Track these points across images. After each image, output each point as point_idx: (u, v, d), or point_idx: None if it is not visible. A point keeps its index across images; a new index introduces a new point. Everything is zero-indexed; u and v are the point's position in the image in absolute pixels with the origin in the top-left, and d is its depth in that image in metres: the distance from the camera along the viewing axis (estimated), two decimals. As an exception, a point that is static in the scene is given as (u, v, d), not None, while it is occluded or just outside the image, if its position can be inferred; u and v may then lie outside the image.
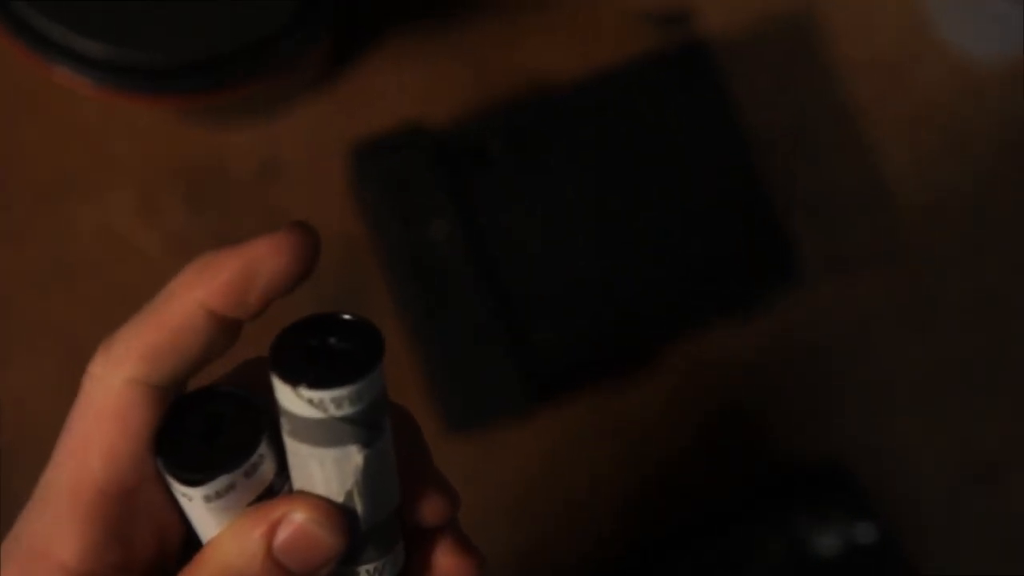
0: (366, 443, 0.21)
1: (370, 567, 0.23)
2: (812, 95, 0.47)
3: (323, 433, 0.21)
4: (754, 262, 0.42)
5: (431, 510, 0.24)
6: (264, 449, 0.21)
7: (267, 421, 0.21)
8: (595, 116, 0.42)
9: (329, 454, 0.21)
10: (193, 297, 0.21)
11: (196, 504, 0.21)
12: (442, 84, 0.46)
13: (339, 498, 0.22)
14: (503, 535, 0.45)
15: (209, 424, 0.21)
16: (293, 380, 0.19)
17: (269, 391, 0.21)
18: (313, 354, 0.20)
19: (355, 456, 0.21)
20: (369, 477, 0.22)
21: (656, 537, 0.46)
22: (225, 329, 0.21)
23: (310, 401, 0.20)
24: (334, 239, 0.45)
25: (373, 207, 0.43)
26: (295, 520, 0.21)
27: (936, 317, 0.46)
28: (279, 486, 0.22)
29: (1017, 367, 0.46)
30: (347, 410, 0.20)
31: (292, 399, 0.20)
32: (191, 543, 0.22)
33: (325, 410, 0.20)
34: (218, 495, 0.20)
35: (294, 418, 0.20)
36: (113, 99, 0.38)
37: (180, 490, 0.21)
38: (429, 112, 0.43)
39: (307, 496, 0.21)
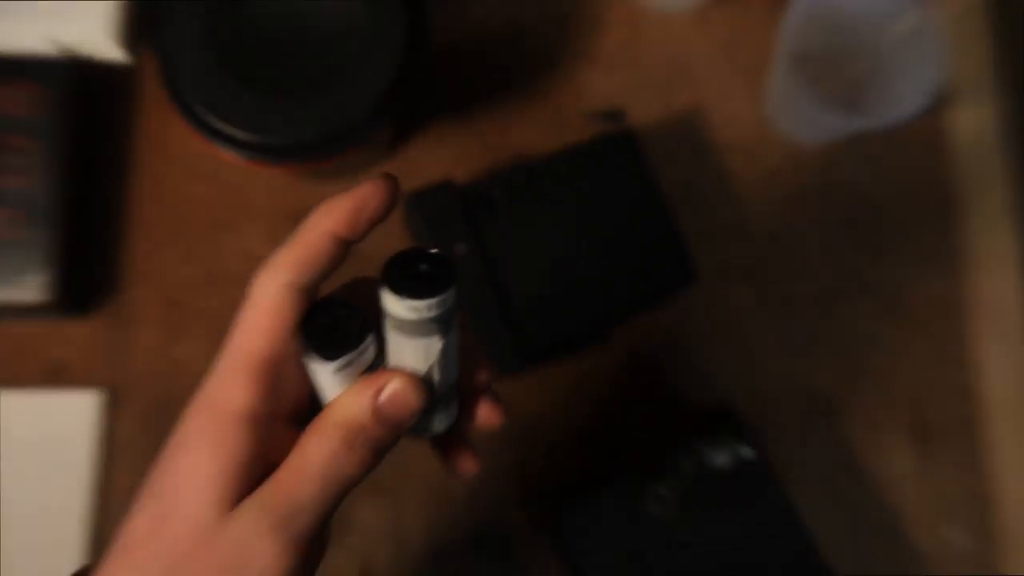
0: (443, 335, 0.24)
1: (438, 416, 0.27)
2: (699, 164, 0.51)
3: (416, 328, 0.24)
4: (668, 272, 0.47)
5: (478, 380, 0.28)
6: (370, 339, 0.24)
7: (370, 320, 0.25)
8: (562, 177, 0.47)
9: (419, 343, 0.24)
10: (323, 226, 0.24)
11: (325, 375, 0.24)
12: (463, 155, 0.50)
13: (422, 372, 0.25)
14: (507, 457, 0.48)
15: (333, 321, 0.24)
16: (399, 293, 0.23)
17: (365, 301, 0.25)
18: (411, 275, 0.23)
19: (435, 344, 0.24)
20: (442, 358, 0.25)
21: (612, 460, 0.49)
22: (343, 248, 0.25)
23: (410, 307, 0.23)
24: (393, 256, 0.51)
25: (418, 235, 0.47)
26: (393, 385, 0.25)
27: (784, 306, 0.50)
28: (376, 365, 0.25)
29: (840, 336, 0.50)
30: (433, 313, 0.23)
31: (397, 305, 0.23)
32: (313, 408, 0.26)
33: (419, 313, 0.23)
34: (341, 368, 0.24)
35: (396, 318, 0.24)
36: (253, 167, 0.43)
37: (316, 364, 0.24)
38: (454, 173, 0.48)
39: (401, 370, 0.25)
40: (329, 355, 0.24)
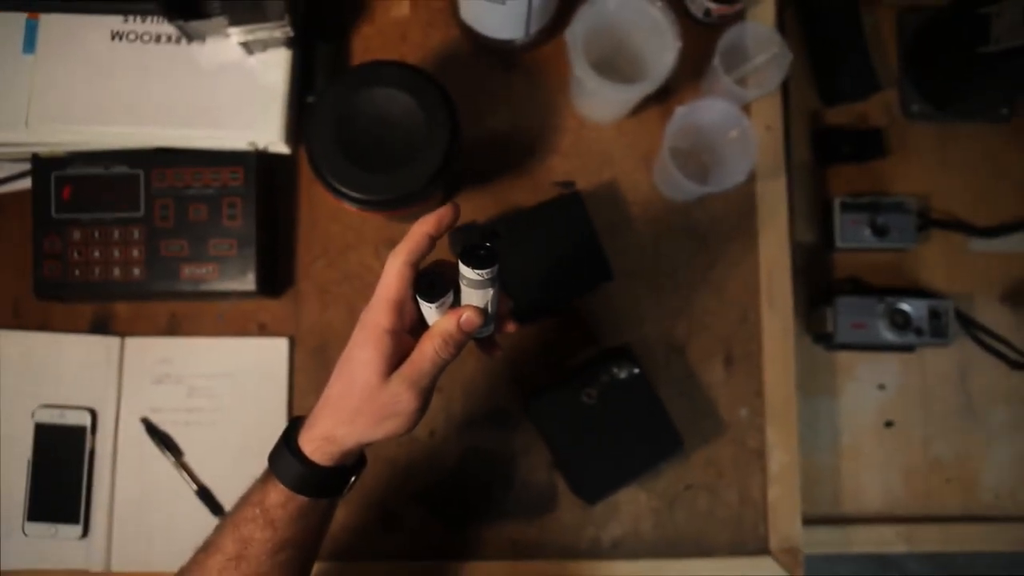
0: (493, 287, 0.28)
1: (486, 328, 0.30)
2: (615, 211, 0.52)
3: (478, 284, 0.27)
4: (596, 272, 0.49)
5: (503, 310, 0.32)
6: (451, 291, 0.28)
7: (449, 279, 0.28)
8: (538, 219, 0.49)
9: (482, 293, 0.28)
10: (422, 229, 0.29)
11: (431, 311, 0.29)
12: (481, 207, 0.52)
13: (482, 307, 0.29)
14: (507, 369, 0.50)
15: (431, 280, 0.29)
16: (469, 264, 0.26)
17: (446, 270, 0.28)
18: (475, 255, 0.27)
19: (490, 292, 0.28)
20: (493, 300, 0.29)
21: (562, 372, 0.50)
22: (432, 242, 0.29)
23: (476, 273, 0.27)
24: None
25: (456, 253, 0.41)
26: (467, 313, 0.29)
27: (657, 292, 0.52)
28: (455, 304, 0.29)
29: (687, 308, 0.51)
30: (489, 276, 0.27)
31: (468, 272, 0.27)
32: (421, 326, 0.30)
33: (481, 276, 0.27)
34: (439, 307, 0.28)
35: (467, 279, 0.27)
36: (363, 214, 0.45)
37: (425, 304, 0.28)
38: (477, 216, 0.50)
39: (470, 306, 0.29)
40: (431, 299, 0.28)
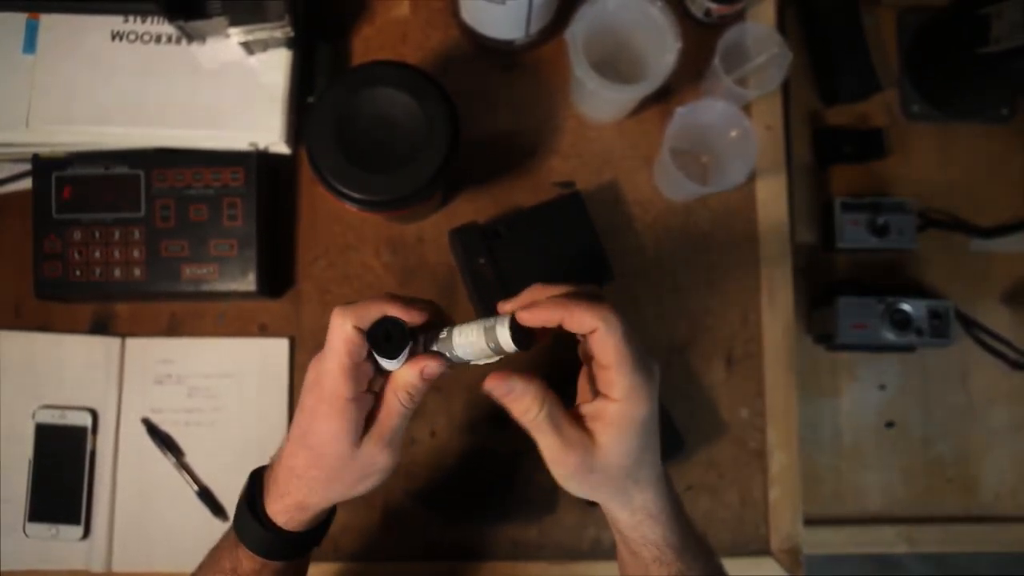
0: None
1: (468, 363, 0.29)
2: (616, 212, 0.52)
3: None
4: (597, 272, 0.48)
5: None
6: (409, 343, 0.27)
7: (408, 331, 0.26)
8: (539, 219, 0.48)
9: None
10: (382, 308, 0.28)
11: (389, 365, 0.28)
12: (482, 207, 0.51)
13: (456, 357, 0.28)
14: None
15: (388, 333, 0.27)
16: (380, 353, 0.25)
17: (420, 312, 0.26)
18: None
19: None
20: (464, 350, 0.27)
21: (566, 374, 0.45)
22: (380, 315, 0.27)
23: (390, 363, 0.26)
24: (443, 267, 0.51)
25: (456, 253, 0.48)
26: (428, 363, 0.28)
27: (658, 292, 0.51)
28: (414, 353, 0.28)
29: (688, 308, 0.51)
30: (400, 360, 0.26)
31: (384, 363, 0.26)
32: (379, 375, 0.29)
33: (397, 363, 0.26)
34: (397, 361, 0.28)
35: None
36: (363, 214, 0.45)
37: (383, 360, 0.27)
38: (478, 217, 0.50)
39: (432, 354, 0.28)
40: (391, 355, 0.27)
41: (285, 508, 0.30)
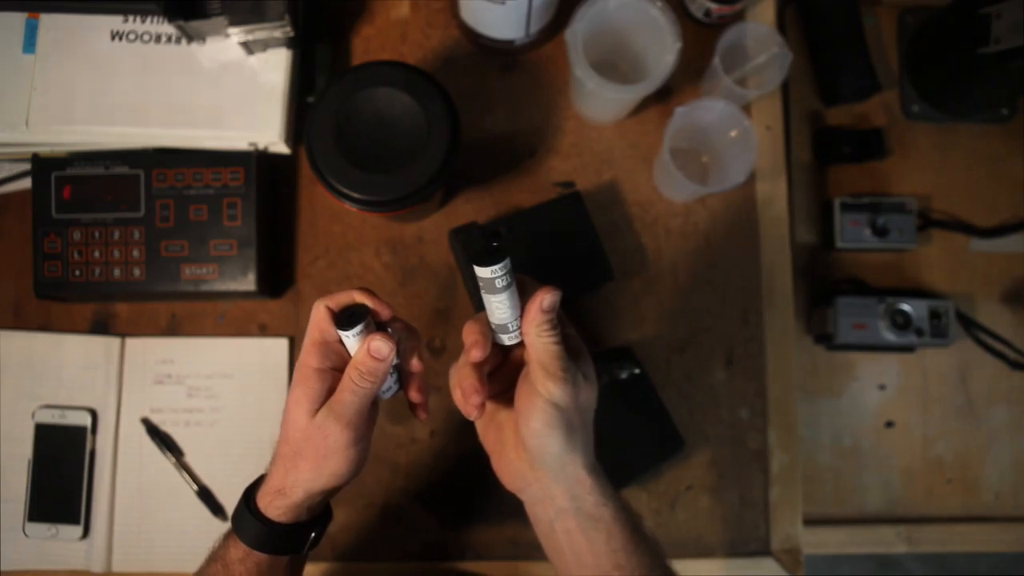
0: (508, 290, 0.27)
1: (509, 336, 0.29)
2: (615, 212, 0.52)
3: (492, 288, 0.27)
4: (596, 272, 0.49)
5: (418, 398, 0.33)
6: (364, 322, 0.28)
7: (368, 313, 0.29)
8: (539, 219, 0.49)
9: (498, 298, 0.28)
10: (356, 296, 0.30)
11: (351, 341, 0.30)
12: (482, 207, 0.52)
13: (503, 315, 0.28)
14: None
15: (351, 313, 0.29)
16: (480, 264, 0.26)
17: (367, 305, 0.28)
18: (481, 253, 0.27)
19: (505, 297, 0.28)
20: (510, 303, 0.28)
21: None
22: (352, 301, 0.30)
23: (489, 271, 0.27)
24: (442, 266, 0.51)
25: (456, 253, 0.49)
26: (375, 341, 0.29)
27: (658, 292, 0.51)
28: (371, 329, 0.29)
29: (688, 308, 0.51)
30: (502, 272, 0.27)
31: (481, 272, 0.27)
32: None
33: (494, 273, 0.27)
34: (356, 337, 0.29)
35: (481, 280, 0.27)
36: (363, 214, 0.45)
37: (343, 335, 0.29)
38: (478, 217, 0.50)
39: (380, 334, 0.29)
40: (346, 327, 0.29)
41: (266, 492, 0.31)
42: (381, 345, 0.29)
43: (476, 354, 0.29)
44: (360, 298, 0.30)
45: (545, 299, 0.28)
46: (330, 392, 0.30)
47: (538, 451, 0.29)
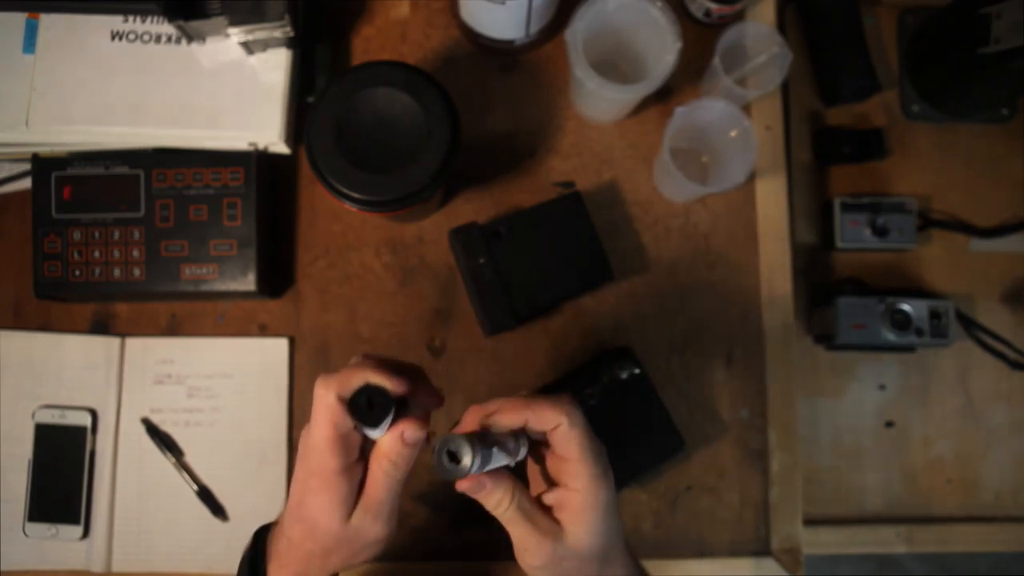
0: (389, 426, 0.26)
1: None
2: (615, 212, 0.52)
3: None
4: (596, 272, 0.48)
5: (411, 436, 0.28)
6: (392, 408, 0.26)
7: (391, 398, 0.26)
8: (539, 219, 0.48)
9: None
10: (364, 376, 0.27)
11: (373, 433, 0.27)
12: (482, 207, 0.51)
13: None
14: (501, 381, 0.49)
15: (370, 401, 0.26)
16: (362, 421, 0.24)
17: (380, 385, 0.25)
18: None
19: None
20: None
21: (566, 375, 0.49)
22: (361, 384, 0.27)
23: (373, 431, 0.25)
24: (442, 267, 0.51)
25: (456, 253, 0.49)
26: (408, 427, 0.27)
27: (658, 292, 0.51)
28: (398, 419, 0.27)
29: (688, 307, 0.51)
30: (386, 426, 0.25)
31: (368, 432, 0.25)
32: (368, 445, 0.28)
33: (381, 431, 0.25)
34: (380, 429, 0.27)
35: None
36: (363, 214, 0.44)
37: (366, 430, 0.27)
38: (478, 217, 0.49)
39: (410, 419, 0.27)
40: (373, 424, 0.26)
41: (283, 566, 0.30)
42: (418, 431, 0.28)
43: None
44: (375, 379, 0.27)
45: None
46: (356, 484, 0.29)
47: None
